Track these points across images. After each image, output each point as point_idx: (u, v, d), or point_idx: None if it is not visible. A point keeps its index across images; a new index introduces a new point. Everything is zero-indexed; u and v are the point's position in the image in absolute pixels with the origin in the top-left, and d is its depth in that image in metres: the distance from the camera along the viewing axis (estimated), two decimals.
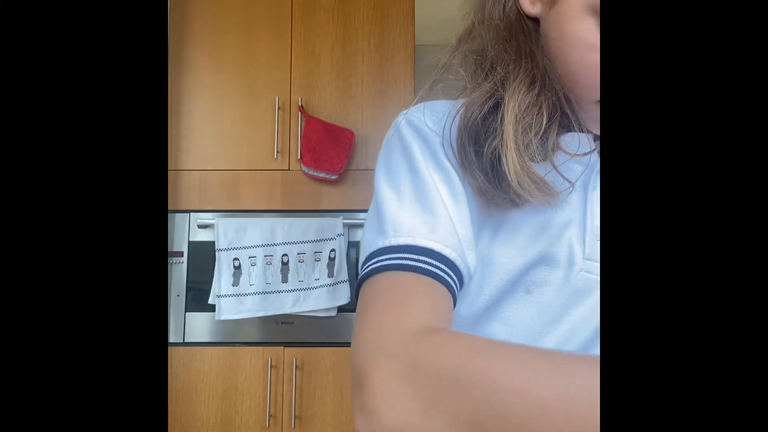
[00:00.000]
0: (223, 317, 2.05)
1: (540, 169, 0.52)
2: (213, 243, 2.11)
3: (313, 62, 2.22)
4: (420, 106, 0.59)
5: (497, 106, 0.54)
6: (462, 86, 0.60)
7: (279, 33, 2.23)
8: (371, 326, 0.43)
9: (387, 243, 0.49)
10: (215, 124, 2.20)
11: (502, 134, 0.52)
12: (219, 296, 2.06)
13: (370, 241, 0.51)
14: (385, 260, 0.48)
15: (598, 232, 0.55)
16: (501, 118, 0.53)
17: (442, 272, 0.48)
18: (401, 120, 0.58)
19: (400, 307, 0.44)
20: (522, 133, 0.52)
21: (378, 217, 0.52)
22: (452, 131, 0.55)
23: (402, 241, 0.49)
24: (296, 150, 2.17)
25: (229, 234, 2.09)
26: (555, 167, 0.53)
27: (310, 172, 2.13)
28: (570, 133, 0.56)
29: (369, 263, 0.49)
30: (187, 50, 2.24)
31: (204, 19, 2.25)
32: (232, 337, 2.10)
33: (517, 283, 0.54)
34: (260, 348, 2.08)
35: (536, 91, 0.54)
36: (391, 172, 0.55)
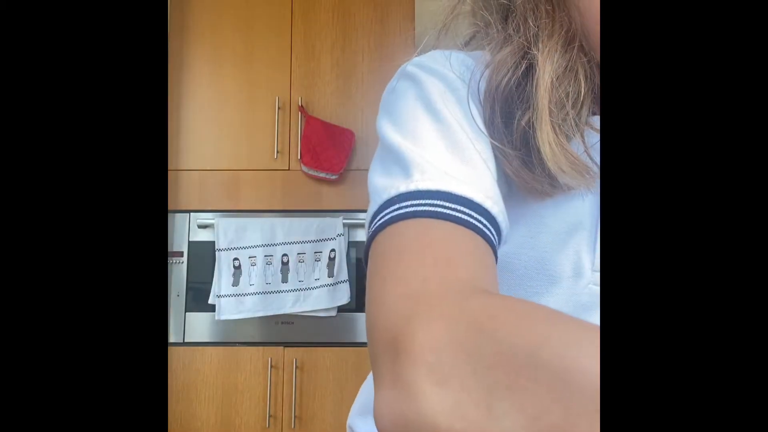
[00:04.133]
0: (223, 317, 2.05)
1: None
2: (213, 243, 2.10)
3: (313, 62, 2.22)
4: (436, 53, 0.50)
5: (530, 68, 0.44)
6: (477, 37, 0.50)
7: (279, 33, 2.23)
8: (406, 281, 0.33)
9: (413, 187, 0.38)
10: (215, 124, 2.20)
11: (537, 104, 0.43)
12: (219, 296, 2.06)
13: (385, 186, 0.40)
14: (412, 206, 0.37)
15: None
16: (535, 84, 0.43)
17: (484, 227, 0.38)
18: (408, 67, 0.49)
19: (442, 260, 0.34)
20: (557, 104, 0.43)
21: (395, 161, 0.42)
22: (480, 93, 0.45)
23: (433, 185, 0.38)
24: (296, 150, 2.17)
25: (229, 234, 2.09)
26: (587, 148, 0.43)
27: (310, 172, 2.13)
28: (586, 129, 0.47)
29: (387, 211, 0.38)
30: (187, 50, 2.24)
31: (204, 19, 2.25)
32: (232, 337, 2.10)
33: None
34: (260, 348, 2.08)
35: (573, 53, 0.45)
36: (402, 119, 0.44)
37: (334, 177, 2.13)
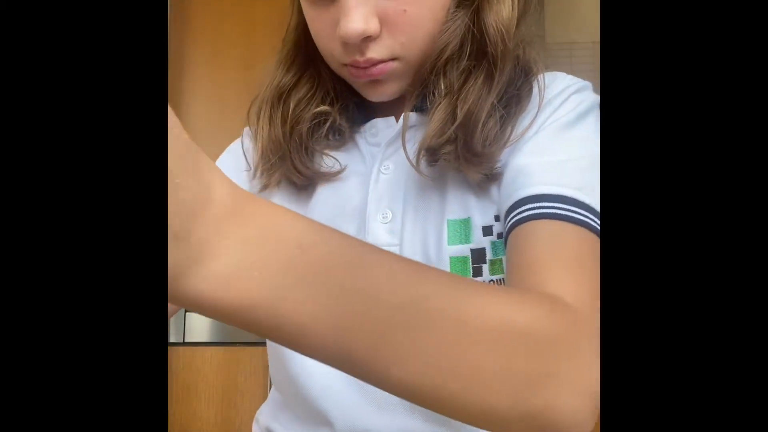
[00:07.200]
0: None
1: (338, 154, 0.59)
2: None
3: None
4: None
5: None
6: None
7: (279, 34, 2.23)
8: None
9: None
10: (215, 124, 2.20)
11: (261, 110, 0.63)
12: None
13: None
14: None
15: (379, 222, 0.56)
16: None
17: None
18: None
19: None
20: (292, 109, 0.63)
21: None
22: None
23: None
24: None
25: None
26: (307, 138, 0.61)
27: None
28: (376, 119, 0.60)
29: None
30: (187, 51, 2.24)
31: (204, 20, 2.24)
32: (232, 337, 2.10)
33: None
34: (260, 348, 2.08)
35: (295, 70, 0.65)
36: None
37: None
